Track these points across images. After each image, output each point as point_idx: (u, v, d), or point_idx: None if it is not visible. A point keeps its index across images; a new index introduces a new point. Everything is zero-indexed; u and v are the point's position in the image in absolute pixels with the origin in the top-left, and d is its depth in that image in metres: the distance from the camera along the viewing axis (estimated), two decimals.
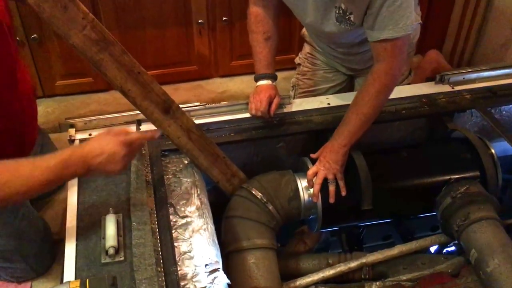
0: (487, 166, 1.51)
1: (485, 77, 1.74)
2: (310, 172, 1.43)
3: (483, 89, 1.71)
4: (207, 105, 1.55)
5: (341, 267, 1.45)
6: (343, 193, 1.42)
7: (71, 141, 1.42)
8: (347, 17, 1.37)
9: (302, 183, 1.47)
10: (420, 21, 1.44)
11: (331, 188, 1.42)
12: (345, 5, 1.34)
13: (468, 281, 1.35)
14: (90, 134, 1.44)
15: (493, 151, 1.54)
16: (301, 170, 1.52)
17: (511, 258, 1.30)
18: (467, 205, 1.42)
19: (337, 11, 1.37)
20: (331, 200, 1.42)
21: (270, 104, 1.51)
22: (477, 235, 1.37)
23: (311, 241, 1.64)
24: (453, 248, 1.64)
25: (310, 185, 1.44)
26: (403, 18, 1.28)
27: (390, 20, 1.28)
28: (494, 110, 1.72)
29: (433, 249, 1.68)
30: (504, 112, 1.78)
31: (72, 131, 1.43)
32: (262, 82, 1.52)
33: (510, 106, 1.75)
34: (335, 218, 1.51)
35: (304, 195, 1.46)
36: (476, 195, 1.44)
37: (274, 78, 1.54)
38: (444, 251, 1.66)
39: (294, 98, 1.77)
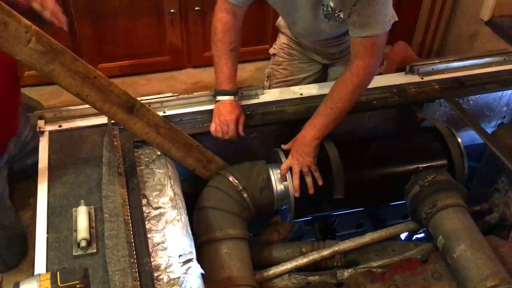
0: (454, 154, 1.54)
1: (453, 68, 1.77)
2: (283, 166, 1.44)
3: (451, 79, 1.74)
4: (180, 96, 1.53)
5: (314, 255, 1.46)
6: (320, 183, 1.43)
7: (41, 132, 1.39)
8: (336, 14, 1.38)
9: (274, 174, 1.48)
10: (397, 18, 1.46)
11: (308, 180, 1.43)
12: (334, 3, 1.36)
13: (436, 266, 1.37)
14: (60, 126, 1.42)
15: (459, 140, 1.56)
16: (274, 161, 1.53)
17: (476, 244, 1.33)
18: (435, 193, 1.45)
19: (324, 9, 1.39)
20: (311, 191, 1.43)
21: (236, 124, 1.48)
22: (444, 222, 1.40)
23: (285, 230, 1.64)
24: (422, 235, 1.68)
25: (284, 178, 1.45)
26: (384, 16, 1.30)
27: (373, 18, 1.29)
28: (461, 100, 1.76)
29: (403, 236, 1.71)
30: (471, 102, 1.81)
31: (41, 122, 1.41)
32: (224, 98, 1.47)
33: (477, 96, 1.79)
34: (308, 208, 1.53)
35: (276, 185, 1.47)
36: (444, 183, 1.47)
37: (236, 94, 1.50)
38: (414, 238, 1.69)
39: (269, 88, 1.76)
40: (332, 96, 1.40)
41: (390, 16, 1.32)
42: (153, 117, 1.35)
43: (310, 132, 1.41)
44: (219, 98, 1.49)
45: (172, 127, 1.39)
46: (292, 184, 1.43)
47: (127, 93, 1.28)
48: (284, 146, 1.47)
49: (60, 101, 2.35)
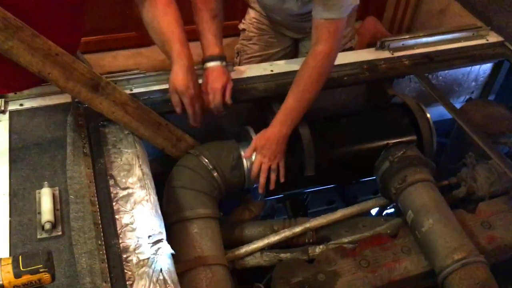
0: (423, 130, 1.56)
1: (423, 43, 1.78)
2: (255, 166, 1.43)
3: (421, 55, 1.75)
4: (147, 73, 1.51)
5: (286, 233, 1.47)
6: (282, 180, 1.44)
7: (1, 112, 1.35)
8: None
9: (245, 151, 1.48)
10: (358, 2, 1.41)
11: (273, 176, 1.43)
12: None
13: (406, 241, 1.40)
14: (21, 105, 1.37)
15: (428, 115, 1.59)
16: (245, 139, 1.52)
17: (444, 218, 1.36)
18: (404, 169, 1.47)
19: None
20: (272, 186, 1.44)
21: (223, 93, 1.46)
22: (413, 196, 1.42)
23: (257, 208, 1.65)
24: (392, 210, 1.70)
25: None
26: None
27: (338, 1, 1.29)
28: (431, 76, 1.79)
29: (373, 212, 1.73)
30: (440, 78, 1.84)
31: (1, 101, 1.36)
32: (210, 65, 1.44)
33: (446, 71, 1.82)
34: (279, 186, 1.52)
35: (247, 164, 1.47)
36: (413, 159, 1.49)
37: (223, 59, 1.46)
38: (384, 213, 1.72)
39: (239, 65, 1.74)
40: (298, 87, 1.39)
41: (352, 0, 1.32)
42: (119, 95, 1.32)
43: (279, 129, 1.40)
44: (206, 65, 1.45)
45: (140, 105, 1.37)
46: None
47: (92, 70, 1.25)
48: (248, 153, 1.45)
49: None
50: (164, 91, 1.50)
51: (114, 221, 1.14)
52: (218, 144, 1.51)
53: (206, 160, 1.44)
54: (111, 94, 1.30)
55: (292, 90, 1.40)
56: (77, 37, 1.48)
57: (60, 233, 1.06)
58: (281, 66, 1.66)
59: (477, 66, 1.86)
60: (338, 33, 1.34)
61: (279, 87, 1.55)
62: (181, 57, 1.35)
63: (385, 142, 1.55)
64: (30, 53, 1.13)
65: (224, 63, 1.46)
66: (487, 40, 1.83)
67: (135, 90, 1.48)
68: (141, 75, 1.50)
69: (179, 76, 1.35)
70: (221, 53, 1.45)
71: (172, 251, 1.12)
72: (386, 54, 1.74)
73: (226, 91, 1.44)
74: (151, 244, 1.11)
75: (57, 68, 1.17)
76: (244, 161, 1.47)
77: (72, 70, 1.20)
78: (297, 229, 1.48)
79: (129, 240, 1.11)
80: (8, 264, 0.78)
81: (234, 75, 1.59)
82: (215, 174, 1.44)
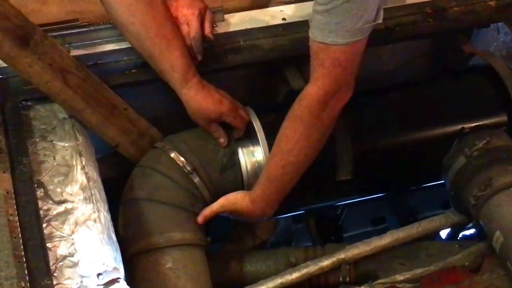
0: None
1: None
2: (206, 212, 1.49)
3: None
4: (92, 26, 1.54)
5: (309, 268, 1.48)
6: None
7: None
8: None
9: (243, 144, 1.51)
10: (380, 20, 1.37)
11: None
12: None
13: (493, 277, 1.39)
14: None
15: None
16: None
17: None
18: (489, 167, 1.45)
19: None
20: None
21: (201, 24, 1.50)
22: (503, 210, 1.40)
23: (264, 231, 1.69)
24: (471, 231, 1.73)
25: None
26: (354, 19, 1.24)
27: (336, 17, 1.24)
28: None
29: (443, 234, 1.76)
30: None
31: None
32: None
33: None
34: (299, 196, 1.53)
35: (245, 161, 1.49)
36: (502, 152, 1.48)
37: None
38: (459, 236, 1.74)
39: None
40: (280, 145, 1.42)
41: (367, 17, 1.26)
42: (60, 57, 1.32)
43: (256, 208, 1.46)
44: None
45: (89, 75, 1.39)
46: (264, 149, 1.48)
47: (24, 16, 1.25)
48: (200, 217, 1.48)
49: None
50: (120, 52, 1.52)
51: (44, 251, 1.13)
52: (201, 132, 1.52)
53: (182, 158, 1.46)
54: (47, 54, 1.30)
55: (274, 147, 1.45)
56: None
57: None
58: (297, 10, 1.65)
59: None
60: (338, 67, 1.31)
61: (295, 44, 1.55)
62: (190, 75, 1.45)
63: (459, 126, 1.56)
64: None
65: None
66: None
67: (75, 52, 1.48)
68: (84, 29, 1.52)
69: (207, 104, 1.46)
70: None
71: None
72: None
73: (206, 21, 1.49)
74: (102, 286, 1.11)
75: None
76: (242, 157, 1.49)
77: None
78: (327, 262, 1.49)
79: (68, 280, 1.11)
80: None
81: (226, 27, 1.61)
82: (197, 179, 1.45)
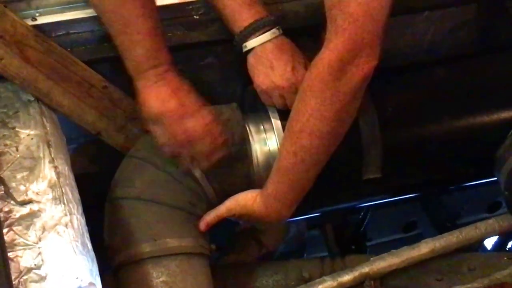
0: None
1: None
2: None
3: None
4: None
5: (326, 284, 1.47)
6: None
7: None
8: None
9: (253, 131, 1.50)
10: None
11: None
12: None
13: None
14: None
15: None
16: (251, 106, 1.55)
17: None
18: None
19: None
20: None
21: None
22: None
23: (271, 239, 1.69)
24: None
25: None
26: None
27: None
28: None
29: (489, 243, 1.83)
30: None
31: None
32: (271, 35, 1.48)
33: None
34: (316, 196, 1.48)
35: (257, 152, 1.48)
36: None
37: (276, 23, 1.50)
38: (510, 245, 1.80)
39: None
40: (291, 126, 1.41)
41: None
42: (12, 27, 1.30)
43: (270, 209, 1.44)
44: (257, 39, 1.49)
45: (52, 47, 1.37)
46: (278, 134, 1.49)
47: None
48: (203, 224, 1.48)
49: None
50: (94, 20, 1.50)
51: (5, 263, 1.08)
52: None
53: None
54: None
55: (285, 131, 1.44)
56: None
57: None
58: None
59: None
60: (356, 26, 1.28)
61: (312, 11, 1.52)
62: (169, 73, 1.42)
63: None
64: None
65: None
66: None
67: (41, 20, 1.47)
68: None
69: (197, 122, 1.42)
70: (266, 13, 1.50)
71: None
72: None
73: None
74: None
75: None
76: (254, 147, 1.48)
77: None
78: (347, 277, 1.49)
79: None
80: None
81: None
82: (197, 174, 1.44)
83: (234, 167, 1.47)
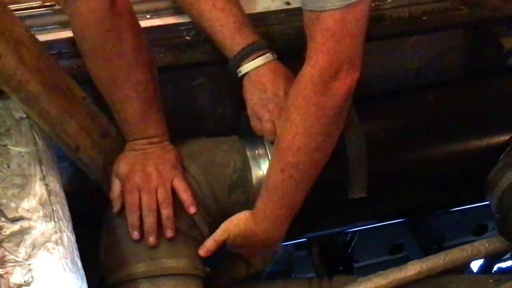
0: None
1: None
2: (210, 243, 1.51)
3: None
4: (56, 7, 1.53)
5: None
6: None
7: None
8: None
9: (251, 159, 1.51)
10: None
11: None
12: None
13: None
14: None
15: None
16: (246, 133, 1.54)
17: None
18: None
19: None
20: None
21: None
22: None
23: (259, 260, 1.66)
24: (510, 263, 1.82)
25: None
26: None
27: None
28: None
29: (475, 266, 1.78)
30: None
31: None
32: (264, 59, 1.49)
33: None
34: (304, 218, 1.50)
35: (253, 178, 1.49)
36: None
37: (268, 46, 1.51)
38: (495, 268, 1.76)
39: None
40: (278, 143, 1.42)
41: None
42: (12, 23, 1.29)
43: (259, 228, 1.46)
44: (250, 64, 1.50)
45: (43, 51, 1.36)
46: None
47: None
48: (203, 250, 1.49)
49: None
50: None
51: None
52: (205, 142, 1.55)
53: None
54: None
55: (273, 149, 1.45)
56: None
57: None
58: None
59: None
60: (334, 41, 1.30)
61: (301, 34, 1.46)
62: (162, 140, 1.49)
63: (505, 136, 1.55)
64: None
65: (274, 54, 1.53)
66: None
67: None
68: (46, 10, 1.54)
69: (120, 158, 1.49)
70: (259, 38, 1.51)
71: None
72: None
73: None
74: None
75: None
76: (253, 174, 1.49)
77: None
78: None
79: None
80: None
81: None
82: (201, 198, 1.46)
83: (235, 193, 1.49)
